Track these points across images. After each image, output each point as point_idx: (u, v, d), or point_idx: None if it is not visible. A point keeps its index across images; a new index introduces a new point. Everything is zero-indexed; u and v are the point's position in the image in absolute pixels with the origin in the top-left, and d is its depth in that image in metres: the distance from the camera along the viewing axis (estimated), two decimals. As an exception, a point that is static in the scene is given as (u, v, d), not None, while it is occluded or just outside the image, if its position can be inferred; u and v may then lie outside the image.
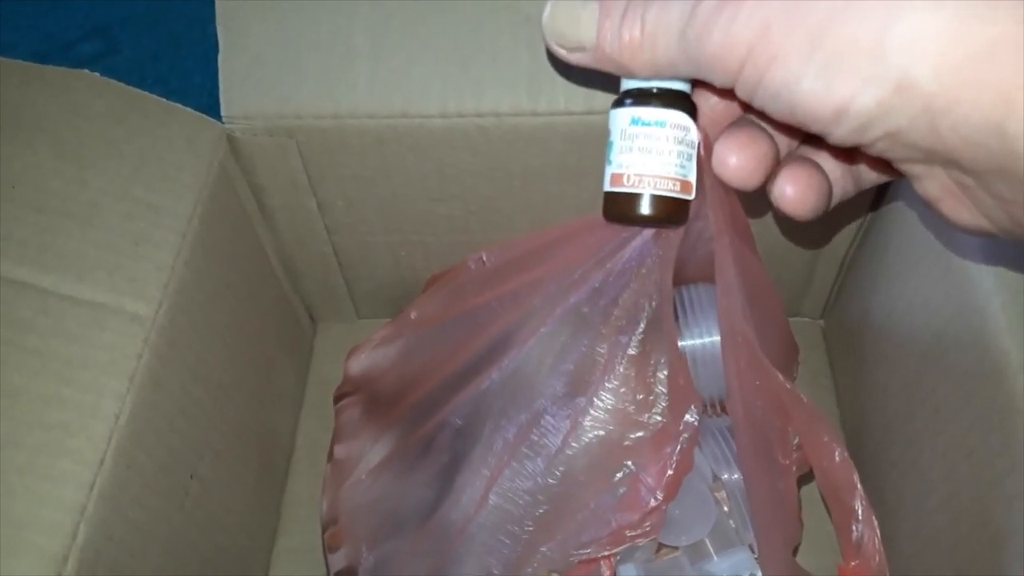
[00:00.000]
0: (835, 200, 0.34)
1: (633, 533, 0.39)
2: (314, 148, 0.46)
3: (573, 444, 0.40)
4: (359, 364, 0.50)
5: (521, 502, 0.40)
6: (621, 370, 0.39)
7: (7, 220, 0.37)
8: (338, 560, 0.46)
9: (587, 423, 0.39)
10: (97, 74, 0.43)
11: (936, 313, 0.41)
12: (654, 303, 0.38)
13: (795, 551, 0.44)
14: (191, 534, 0.41)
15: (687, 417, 0.38)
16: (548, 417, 0.40)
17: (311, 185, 0.48)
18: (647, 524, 0.39)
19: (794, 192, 0.32)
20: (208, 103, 0.45)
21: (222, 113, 0.44)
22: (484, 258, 0.45)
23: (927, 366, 0.41)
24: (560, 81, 0.44)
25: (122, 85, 0.43)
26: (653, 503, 0.39)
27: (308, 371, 0.59)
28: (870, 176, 0.34)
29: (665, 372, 0.39)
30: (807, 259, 0.53)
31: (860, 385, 0.50)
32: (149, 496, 0.37)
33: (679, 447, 0.39)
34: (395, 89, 0.44)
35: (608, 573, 0.41)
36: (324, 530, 0.47)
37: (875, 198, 0.48)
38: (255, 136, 0.45)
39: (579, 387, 0.40)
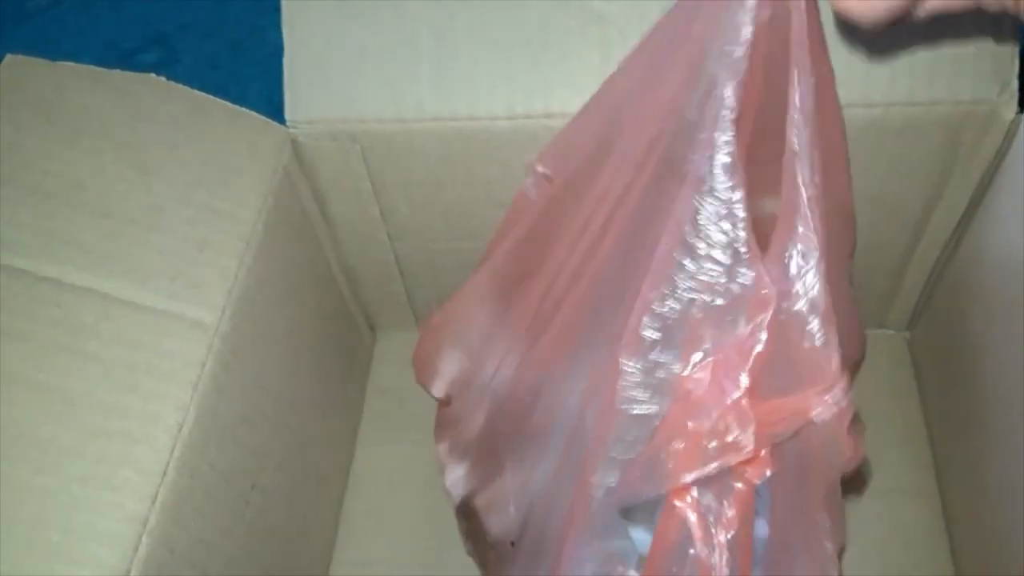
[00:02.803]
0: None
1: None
2: (378, 153, 0.45)
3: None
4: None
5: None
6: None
7: (72, 225, 0.37)
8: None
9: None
10: (163, 78, 0.42)
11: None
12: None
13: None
14: (252, 546, 0.40)
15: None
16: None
17: (374, 191, 0.47)
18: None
19: None
20: (268, 110, 0.45)
21: (286, 117, 0.44)
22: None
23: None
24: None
25: (186, 89, 0.43)
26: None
27: (367, 380, 0.58)
28: None
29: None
30: (894, 267, 0.51)
31: (953, 404, 0.47)
32: (211, 507, 0.36)
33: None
34: (461, 91, 0.43)
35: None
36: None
37: (971, 200, 0.45)
38: (319, 141, 0.44)
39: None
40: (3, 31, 0.71)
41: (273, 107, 0.45)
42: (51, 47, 0.72)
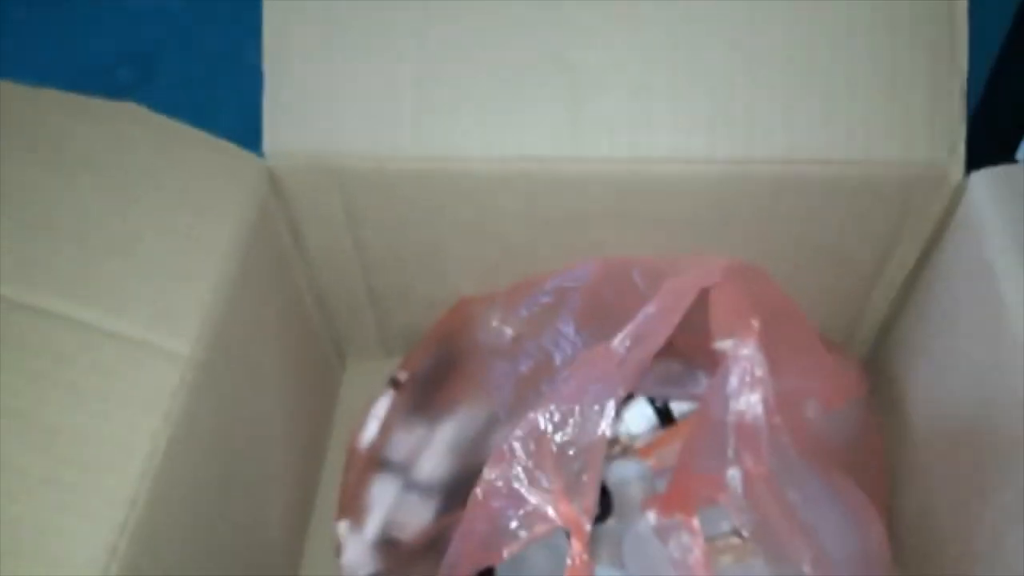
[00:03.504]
0: None
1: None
2: (354, 187, 0.46)
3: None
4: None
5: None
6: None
7: (48, 252, 0.37)
8: None
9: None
10: (143, 107, 0.43)
11: (981, 377, 0.40)
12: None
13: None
14: (217, 574, 0.41)
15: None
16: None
17: (348, 224, 0.48)
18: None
19: None
20: (242, 132, 0.45)
21: (264, 149, 0.44)
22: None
23: (974, 430, 0.40)
24: (602, 128, 0.43)
25: (164, 118, 0.43)
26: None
27: (334, 407, 0.58)
28: None
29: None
30: (847, 319, 0.53)
31: (896, 456, 0.49)
32: (180, 536, 0.36)
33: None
34: (438, 131, 0.44)
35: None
36: None
37: (920, 255, 0.48)
38: (296, 173, 0.45)
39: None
40: (-22, 45, 0.70)
41: (247, 129, 0.46)
42: (28, 61, 0.72)
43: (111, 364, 0.35)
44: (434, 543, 0.49)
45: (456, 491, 0.49)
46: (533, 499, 0.38)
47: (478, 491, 0.39)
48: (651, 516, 0.42)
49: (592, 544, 0.39)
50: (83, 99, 0.42)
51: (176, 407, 0.36)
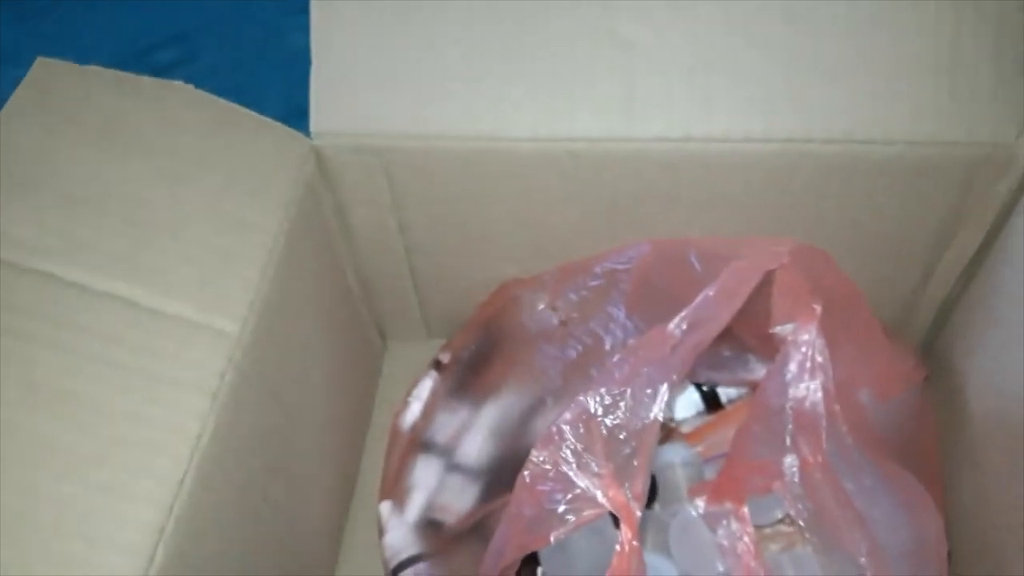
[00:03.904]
0: None
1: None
2: (400, 168, 0.45)
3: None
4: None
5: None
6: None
7: (100, 232, 0.37)
8: None
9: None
10: (190, 86, 0.42)
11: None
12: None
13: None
14: (260, 557, 0.40)
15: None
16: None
17: (394, 204, 0.47)
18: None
19: None
20: (286, 114, 0.45)
21: (311, 129, 0.44)
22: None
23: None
24: (657, 107, 0.42)
25: (214, 97, 0.43)
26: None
27: (376, 390, 0.58)
28: None
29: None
30: (903, 304, 0.51)
31: (954, 444, 0.48)
32: (224, 518, 0.36)
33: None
34: (485, 112, 0.43)
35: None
36: None
37: (984, 240, 0.46)
38: (342, 154, 0.45)
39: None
40: (24, 24, 0.71)
41: (291, 110, 0.45)
42: (68, 43, 0.72)
43: (160, 344, 0.35)
44: (477, 527, 0.48)
45: (499, 475, 0.49)
46: (582, 483, 0.38)
47: (526, 474, 0.38)
48: (700, 503, 0.41)
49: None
50: (132, 77, 0.42)
51: (223, 388, 0.35)
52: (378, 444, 0.55)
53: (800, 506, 0.38)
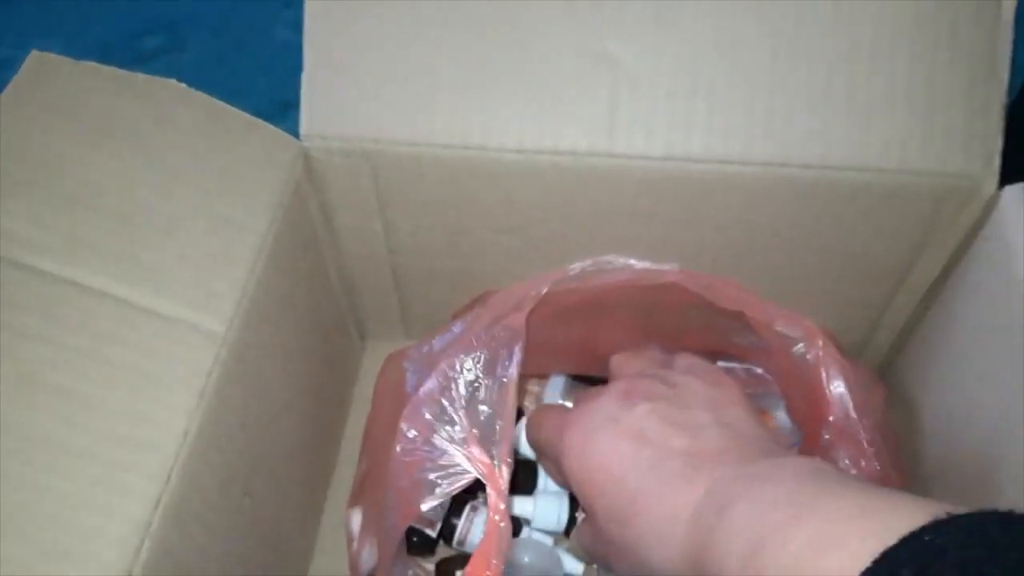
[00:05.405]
0: None
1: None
2: (388, 172, 0.46)
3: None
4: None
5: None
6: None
7: (94, 229, 0.37)
8: None
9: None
10: (183, 84, 0.43)
11: (1004, 394, 0.40)
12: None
13: None
14: (241, 551, 0.41)
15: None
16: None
17: (380, 207, 0.48)
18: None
19: None
20: (271, 109, 0.45)
21: (301, 131, 0.45)
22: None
23: (990, 449, 0.41)
24: (640, 125, 0.44)
25: (204, 95, 0.43)
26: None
27: (355, 386, 0.59)
28: None
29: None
30: (867, 323, 0.53)
31: (911, 456, 0.50)
32: (208, 514, 0.37)
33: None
34: (474, 122, 0.44)
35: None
36: None
37: (944, 268, 0.48)
38: (331, 156, 0.45)
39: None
40: (10, 7, 0.70)
41: (275, 105, 0.46)
42: (53, 27, 0.72)
43: (149, 342, 0.36)
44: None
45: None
46: (448, 449, 0.38)
47: (398, 447, 0.39)
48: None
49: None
50: (125, 74, 0.42)
51: (210, 385, 0.36)
52: (353, 440, 0.56)
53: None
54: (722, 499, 0.32)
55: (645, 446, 0.36)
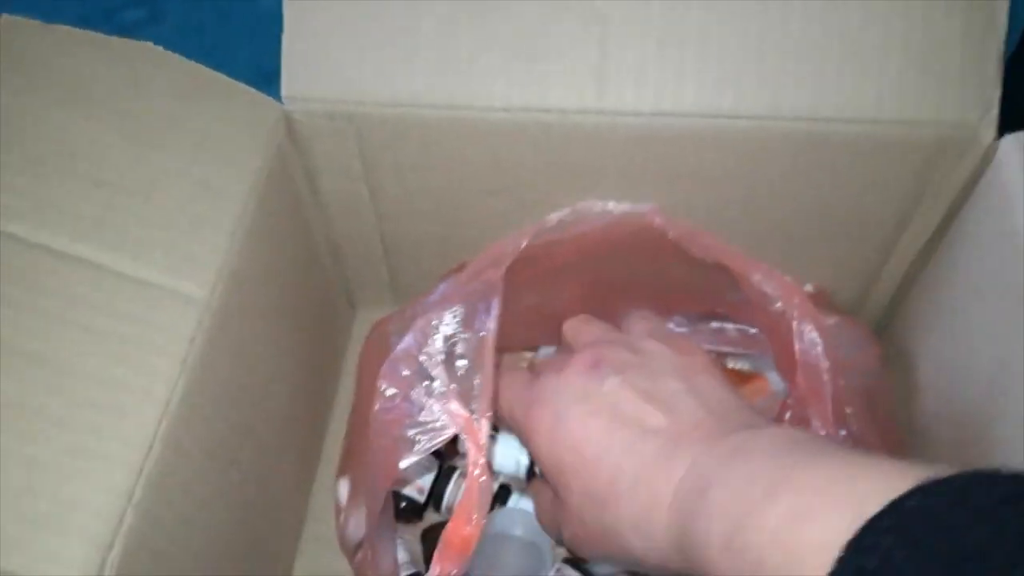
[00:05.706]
0: None
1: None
2: (372, 134, 0.45)
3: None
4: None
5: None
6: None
7: (68, 194, 0.36)
8: None
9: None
10: (159, 47, 0.42)
11: (1002, 346, 0.40)
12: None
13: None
14: (229, 522, 0.41)
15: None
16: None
17: (365, 171, 0.47)
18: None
19: None
20: (255, 78, 0.44)
21: (282, 94, 0.44)
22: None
23: (986, 402, 0.40)
24: (629, 80, 0.43)
25: (183, 59, 0.42)
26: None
27: (344, 356, 0.58)
28: None
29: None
30: (861, 282, 0.52)
31: (909, 412, 0.49)
32: (193, 483, 0.36)
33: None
34: (459, 81, 0.43)
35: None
36: None
37: (942, 221, 0.47)
38: (314, 119, 0.44)
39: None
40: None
41: (260, 75, 0.45)
42: (33, 1, 0.70)
43: (127, 307, 0.35)
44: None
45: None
46: (426, 404, 0.38)
47: (377, 407, 0.38)
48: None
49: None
50: (100, 37, 0.41)
51: (192, 352, 0.36)
52: (344, 409, 0.56)
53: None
54: (701, 480, 0.31)
55: (619, 426, 0.35)
